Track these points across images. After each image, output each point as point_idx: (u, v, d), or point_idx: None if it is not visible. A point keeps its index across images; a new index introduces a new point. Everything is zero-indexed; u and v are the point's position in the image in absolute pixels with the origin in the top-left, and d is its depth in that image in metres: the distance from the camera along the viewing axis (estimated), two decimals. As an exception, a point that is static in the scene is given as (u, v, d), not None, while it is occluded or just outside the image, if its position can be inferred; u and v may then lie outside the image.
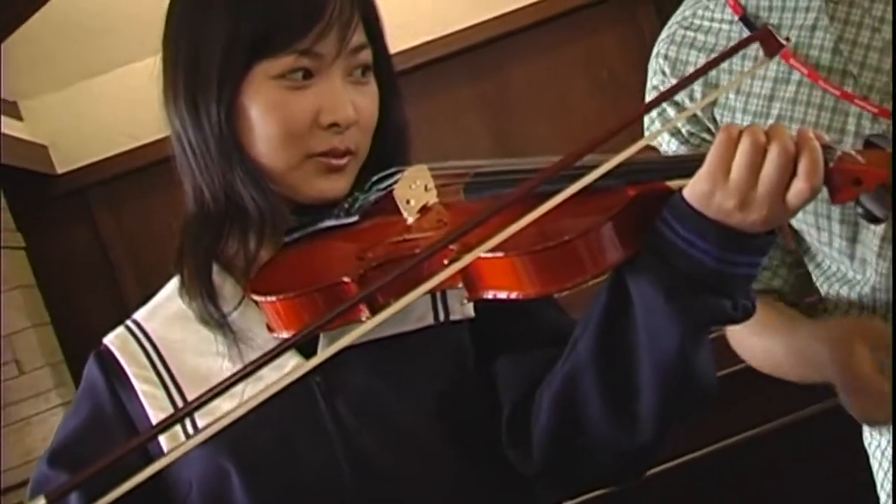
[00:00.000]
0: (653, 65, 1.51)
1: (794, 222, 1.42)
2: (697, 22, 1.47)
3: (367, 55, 1.14)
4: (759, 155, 0.90)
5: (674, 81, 1.47)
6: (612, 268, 0.96)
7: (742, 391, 2.29)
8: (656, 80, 1.50)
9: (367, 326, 0.92)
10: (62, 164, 4.69)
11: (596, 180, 0.92)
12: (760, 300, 1.44)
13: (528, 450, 1.09)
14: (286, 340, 0.90)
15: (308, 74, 1.10)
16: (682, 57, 1.47)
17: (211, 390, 0.87)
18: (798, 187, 0.90)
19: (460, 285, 0.99)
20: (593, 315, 1.02)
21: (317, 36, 1.08)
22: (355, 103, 1.13)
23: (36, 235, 4.16)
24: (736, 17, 1.42)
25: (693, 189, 0.93)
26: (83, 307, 4.61)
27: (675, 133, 1.48)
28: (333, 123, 1.11)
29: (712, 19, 1.46)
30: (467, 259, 0.92)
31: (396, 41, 1.19)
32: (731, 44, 1.40)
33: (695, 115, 1.45)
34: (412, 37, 4.54)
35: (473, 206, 1.06)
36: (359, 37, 1.12)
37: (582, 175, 0.92)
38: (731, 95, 1.42)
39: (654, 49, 1.52)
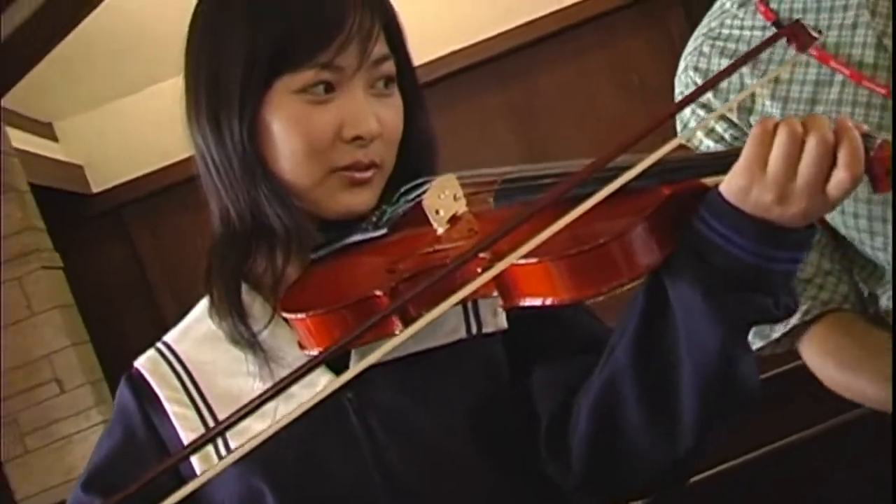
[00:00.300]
0: (682, 79, 1.48)
1: (844, 230, 1.38)
2: (726, 32, 1.44)
3: (389, 67, 1.13)
4: (796, 146, 0.87)
5: (708, 95, 1.44)
6: (649, 269, 0.93)
7: (788, 393, 2.25)
8: (700, 110, 1.46)
9: (400, 339, 0.91)
10: (97, 184, 4.75)
11: (630, 181, 0.90)
12: (837, 321, 1.38)
13: (567, 461, 1.07)
14: (317, 356, 0.89)
15: (329, 88, 1.09)
16: (713, 67, 1.44)
17: (242, 408, 0.86)
18: (838, 177, 0.87)
19: (495, 294, 0.98)
20: (631, 318, 0.99)
21: (337, 49, 1.07)
22: (379, 115, 1.11)
23: (73, 255, 4.20)
24: (768, 23, 1.39)
25: (730, 184, 0.90)
26: (121, 324, 4.65)
27: (720, 140, 1.45)
28: (357, 137, 1.09)
29: (742, 27, 1.43)
30: (501, 266, 0.90)
31: (423, 52, 1.18)
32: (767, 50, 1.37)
33: (735, 123, 1.42)
34: (439, 47, 4.55)
35: (504, 214, 1.04)
36: (380, 48, 1.11)
37: (614, 177, 0.90)
38: (767, 103, 1.39)
39: (680, 64, 1.49)
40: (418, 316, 0.94)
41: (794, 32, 0.99)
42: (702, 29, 1.49)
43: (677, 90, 1.51)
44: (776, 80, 1.39)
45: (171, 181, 4.53)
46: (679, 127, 1.50)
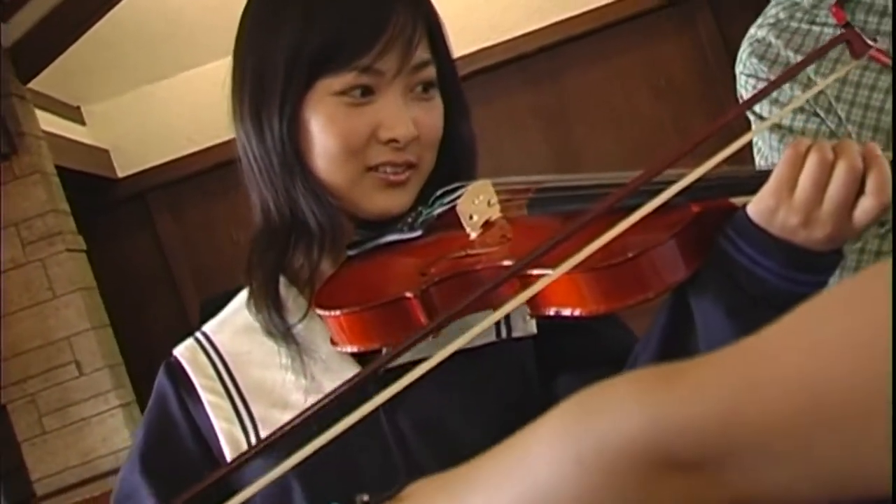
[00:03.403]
0: (747, 65, 1.49)
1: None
2: (795, 25, 1.46)
3: (429, 72, 1.14)
4: (825, 172, 0.88)
5: (783, 85, 1.45)
6: (675, 285, 0.94)
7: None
8: (753, 82, 1.48)
9: (437, 357, 0.91)
10: (123, 168, 4.77)
11: (672, 198, 0.90)
12: None
13: None
14: (363, 371, 0.89)
15: (368, 91, 1.10)
16: (780, 59, 1.45)
17: (291, 421, 0.86)
18: (865, 204, 0.87)
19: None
20: (654, 332, 1.00)
21: (377, 53, 1.08)
22: (417, 119, 1.12)
23: (97, 238, 4.23)
24: (839, 25, 1.40)
25: (757, 205, 0.91)
26: (142, 309, 4.68)
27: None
28: (392, 139, 1.11)
29: (813, 22, 1.44)
30: (538, 287, 0.90)
31: (454, 47, 1.18)
32: (833, 49, 1.38)
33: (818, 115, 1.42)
34: (469, 43, 4.55)
35: (537, 222, 1.05)
36: (421, 53, 1.12)
37: (652, 191, 0.90)
38: (834, 103, 1.39)
39: (743, 47, 1.50)
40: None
41: (848, 39, 0.98)
42: (768, 18, 1.49)
43: (738, 71, 1.52)
44: (843, 82, 1.39)
45: (196, 169, 4.55)
46: (753, 119, 1.50)
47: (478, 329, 0.87)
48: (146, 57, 4.48)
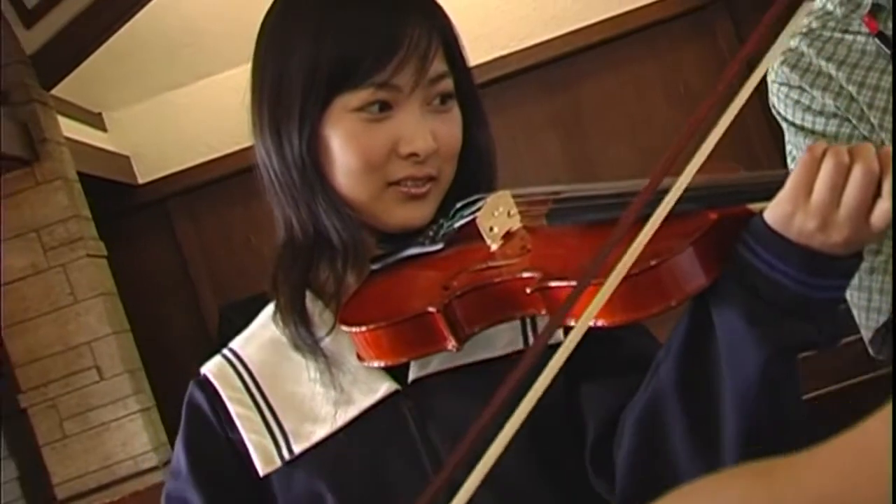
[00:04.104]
0: (779, 73, 1.51)
1: None
2: (827, 34, 1.47)
3: (447, 84, 1.14)
4: (841, 175, 0.87)
5: (815, 93, 1.47)
6: (694, 293, 0.94)
7: (831, 417, 2.23)
8: (794, 94, 1.50)
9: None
10: (143, 175, 4.80)
11: (679, 201, 0.90)
12: None
13: (613, 477, 1.07)
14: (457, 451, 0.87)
15: (386, 106, 1.11)
16: (812, 67, 1.47)
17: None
18: (882, 207, 0.86)
19: (543, 312, 1.00)
20: (675, 339, 1.00)
21: (394, 69, 1.09)
22: (436, 131, 1.13)
23: (117, 244, 4.25)
24: (872, 34, 1.42)
25: (774, 210, 0.90)
26: (161, 314, 4.70)
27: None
28: (412, 154, 1.11)
29: (846, 31, 1.46)
30: (601, 298, 0.89)
31: (470, 55, 1.19)
32: (866, 57, 1.40)
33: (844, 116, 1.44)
34: (485, 52, 4.56)
35: (557, 232, 1.06)
36: (438, 66, 1.12)
37: (662, 199, 0.90)
38: (867, 111, 1.40)
39: (777, 68, 1.52)
40: (472, 333, 1.03)
41: None
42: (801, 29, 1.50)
43: (770, 79, 1.53)
44: (875, 89, 1.40)
45: (215, 175, 4.58)
46: (785, 126, 1.51)
47: (549, 374, 0.88)
48: (166, 65, 4.51)
